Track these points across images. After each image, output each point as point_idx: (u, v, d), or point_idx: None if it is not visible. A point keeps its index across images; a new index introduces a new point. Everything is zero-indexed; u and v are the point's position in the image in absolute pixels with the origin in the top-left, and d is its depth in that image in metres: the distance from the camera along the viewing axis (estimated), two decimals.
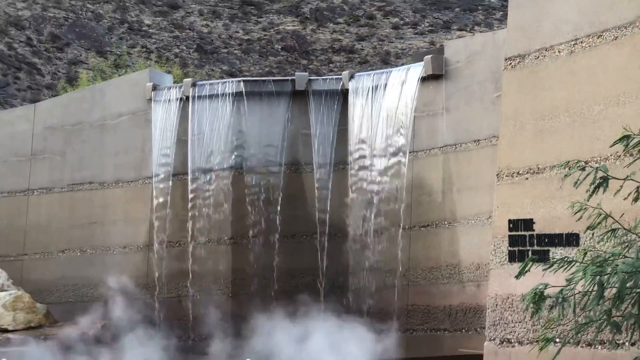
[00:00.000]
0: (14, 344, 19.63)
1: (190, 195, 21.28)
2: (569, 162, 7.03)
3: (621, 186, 6.30)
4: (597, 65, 11.68)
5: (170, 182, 21.47)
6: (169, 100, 21.70)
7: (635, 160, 6.35)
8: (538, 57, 12.62)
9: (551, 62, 12.39)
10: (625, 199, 6.32)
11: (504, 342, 12.74)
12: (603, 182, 6.32)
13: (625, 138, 6.35)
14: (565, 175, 6.81)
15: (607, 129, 10.46)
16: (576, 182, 6.45)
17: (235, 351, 17.57)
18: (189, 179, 21.32)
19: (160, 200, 21.53)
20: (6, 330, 20.43)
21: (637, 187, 6.30)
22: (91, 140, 22.54)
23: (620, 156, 6.54)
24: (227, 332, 18.28)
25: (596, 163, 6.67)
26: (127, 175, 22.06)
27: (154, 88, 21.83)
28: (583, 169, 6.45)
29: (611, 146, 6.67)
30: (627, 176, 6.27)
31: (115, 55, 56.63)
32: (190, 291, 20.99)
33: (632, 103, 10.55)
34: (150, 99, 21.79)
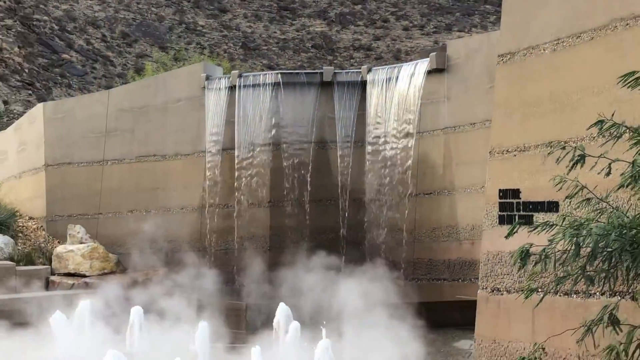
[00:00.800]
0: (91, 287, 19.95)
1: (236, 166, 21.52)
2: (551, 142, 7.20)
3: (595, 162, 6.41)
4: (576, 61, 11.73)
5: (220, 156, 21.72)
6: (220, 88, 21.92)
7: (608, 140, 6.43)
8: (526, 54, 12.65)
9: (537, 58, 12.43)
10: (598, 173, 6.41)
11: (494, 291, 12.82)
12: (580, 159, 6.46)
13: (600, 122, 6.50)
14: (549, 153, 6.96)
15: (584, 115, 10.55)
16: (558, 159, 6.57)
17: (271, 295, 17.73)
18: (236, 153, 21.57)
19: (212, 170, 21.81)
20: (84, 276, 20.79)
21: (609, 164, 6.36)
22: (155, 120, 22.78)
23: (594, 137, 6.68)
24: (265, 279, 18.49)
25: (574, 143, 6.77)
26: (185, 150, 22.31)
27: (207, 78, 22.10)
28: (563, 147, 6.60)
29: (587, 129, 6.81)
30: (601, 154, 6.40)
31: (174, 50, 56.54)
32: (235, 245, 21.30)
33: (605, 93, 10.62)
34: (204, 87, 22.04)
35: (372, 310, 13.47)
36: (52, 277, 20.96)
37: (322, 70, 22.19)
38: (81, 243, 21.64)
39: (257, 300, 17.85)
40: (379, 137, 20.58)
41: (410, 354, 11.62)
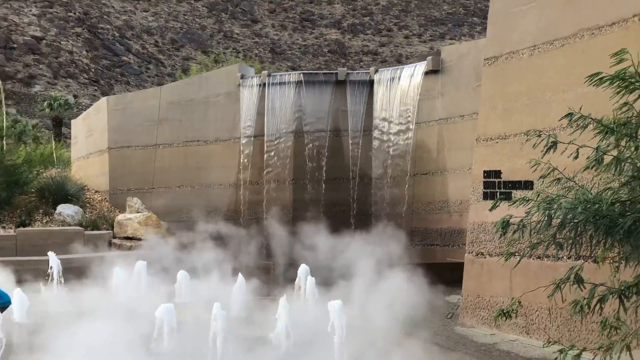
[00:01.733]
0: (145, 248, 20.08)
1: (265, 150, 21.63)
2: (528, 131, 7.16)
3: (565, 148, 6.36)
4: (549, 64, 11.69)
5: (252, 141, 21.80)
6: (252, 85, 21.96)
7: (576, 130, 6.37)
8: (507, 58, 12.60)
9: (517, 61, 12.39)
10: (568, 157, 6.36)
11: (479, 255, 12.85)
12: (553, 145, 6.44)
13: (569, 115, 6.45)
14: (527, 140, 6.90)
15: (555, 109, 10.52)
16: (534, 145, 6.55)
17: (294, 258, 17.79)
18: (265, 139, 21.64)
19: (245, 153, 21.89)
20: (140, 239, 20.89)
21: (577, 149, 6.34)
22: (199, 111, 22.85)
23: (564, 127, 6.66)
24: (289, 244, 18.53)
25: (547, 132, 6.77)
26: (223, 136, 22.38)
27: (242, 77, 22.19)
28: (539, 135, 6.59)
29: (559, 120, 6.81)
30: (570, 141, 6.36)
31: (214, 54, 56.72)
32: (264, 215, 21.39)
33: (573, 91, 10.57)
34: (239, 85, 22.11)
35: (377, 270, 13.48)
36: (114, 240, 21.12)
37: (337, 71, 22.19)
38: (137, 212, 21.77)
39: (282, 261, 17.89)
40: (383, 126, 20.59)
41: (409, 304, 11.64)
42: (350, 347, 9.54)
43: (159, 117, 23.48)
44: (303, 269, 14.58)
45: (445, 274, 15.16)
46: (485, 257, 12.67)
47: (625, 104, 6.27)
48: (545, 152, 6.46)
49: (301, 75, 22.02)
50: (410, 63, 20.79)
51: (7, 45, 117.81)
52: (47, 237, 20.09)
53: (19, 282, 15.28)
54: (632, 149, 6.26)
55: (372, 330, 10.07)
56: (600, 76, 6.30)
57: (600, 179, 6.45)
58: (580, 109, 6.57)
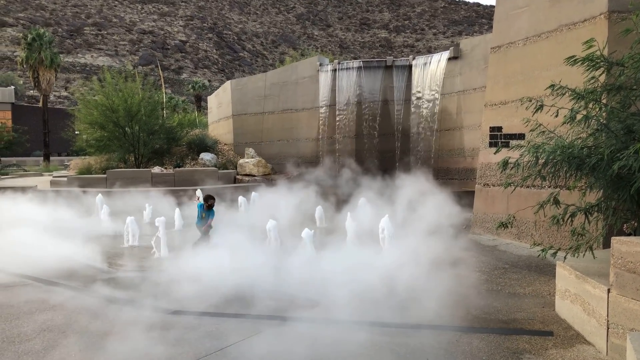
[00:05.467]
0: (258, 182, 20.46)
1: (337, 115, 21.52)
2: (522, 98, 7.03)
3: (549, 110, 6.23)
4: (537, 51, 11.35)
5: (327, 109, 21.74)
6: (327, 71, 21.78)
7: (556, 97, 6.30)
8: (507, 47, 12.27)
9: (514, 49, 12.06)
10: (550, 116, 6.26)
11: (485, 185, 12.72)
12: (540, 107, 6.30)
13: (552, 86, 6.34)
14: (521, 104, 6.82)
15: (542, 82, 10.25)
16: (527, 107, 6.48)
17: (357, 187, 17.87)
18: (336, 108, 21.55)
19: (322, 117, 21.85)
20: (254, 176, 21.27)
21: (557, 110, 6.21)
22: (291, 89, 22.86)
23: (548, 95, 6.49)
24: (354, 182, 18.57)
25: (536, 99, 6.61)
26: (307, 106, 22.36)
27: (320, 65, 21.98)
28: (530, 100, 6.50)
29: (545, 90, 6.66)
30: (552, 105, 6.23)
31: (301, 49, 56.36)
32: (336, 159, 21.46)
33: (554, 69, 10.28)
34: (318, 70, 21.94)
35: (413, 196, 13.47)
36: (237, 176, 21.60)
37: (386, 59, 21.75)
38: (252, 158, 22.14)
39: (348, 189, 17.97)
40: (418, 97, 20.25)
41: (437, 219, 11.68)
42: (394, 242, 9.65)
43: (264, 93, 23.63)
44: (362, 200, 14.68)
45: (461, 200, 15.03)
46: (490, 187, 12.53)
47: (592, 77, 6.16)
48: (535, 112, 6.33)
49: (361, 62, 21.73)
50: (437, 52, 20.26)
51: (163, 46, 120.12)
52: (193, 174, 20.73)
53: (178, 203, 15.83)
54: (597, 109, 6.17)
55: (410, 234, 10.11)
56: (574, 58, 6.19)
57: (573, 131, 6.34)
58: (560, 81, 6.45)
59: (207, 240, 10.06)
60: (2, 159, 40.78)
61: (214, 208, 10.83)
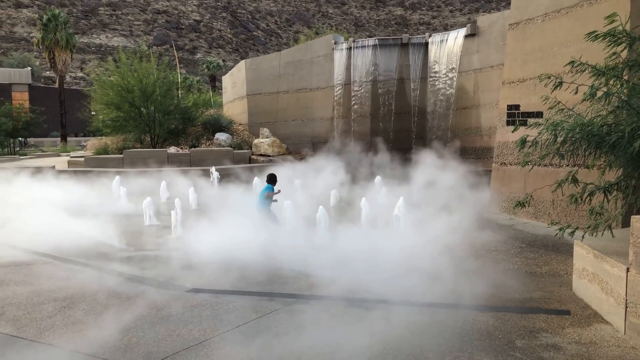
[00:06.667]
0: (273, 162, 20.50)
1: (352, 94, 21.41)
2: (540, 75, 6.91)
3: (568, 86, 6.10)
4: (556, 27, 11.15)
5: (342, 88, 21.62)
6: (342, 49, 21.60)
7: (576, 73, 6.17)
8: (526, 23, 12.08)
9: (532, 25, 11.86)
10: (570, 93, 6.14)
11: (502, 164, 12.64)
12: (559, 84, 6.20)
13: (572, 62, 6.21)
14: (540, 81, 6.70)
15: (560, 59, 10.11)
16: (545, 85, 6.36)
17: (372, 166, 17.84)
18: (351, 86, 21.42)
19: (337, 96, 21.74)
20: (269, 156, 21.32)
21: (577, 87, 6.05)
22: (306, 68, 22.74)
23: (567, 72, 6.38)
24: (368, 160, 18.56)
25: (554, 76, 6.50)
26: (322, 85, 22.26)
27: (335, 43, 21.79)
28: (549, 77, 6.39)
29: (564, 66, 6.54)
30: (572, 81, 6.09)
31: (315, 28, 55.95)
32: (351, 138, 21.39)
33: (574, 46, 10.12)
34: (333, 49, 21.77)
35: (429, 174, 13.42)
36: (252, 156, 21.66)
37: (401, 37, 21.51)
38: (267, 138, 22.18)
39: (363, 168, 17.95)
40: (435, 76, 20.03)
41: (451, 198, 11.66)
42: (409, 222, 9.64)
43: (279, 72, 23.53)
44: (377, 179, 14.67)
45: (477, 178, 14.96)
46: (507, 166, 12.45)
47: (614, 53, 6.01)
48: (554, 89, 6.21)
49: (376, 40, 21.48)
50: (454, 29, 19.99)
51: (178, 26, 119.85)
52: (209, 154, 20.83)
53: (193, 182, 15.93)
54: (618, 86, 6.03)
55: (425, 214, 10.08)
56: (595, 34, 6.04)
57: (593, 109, 6.23)
58: (580, 58, 6.32)
59: (273, 218, 10.15)
60: (19, 139, 41.27)
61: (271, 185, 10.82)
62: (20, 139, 47.34)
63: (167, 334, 5.33)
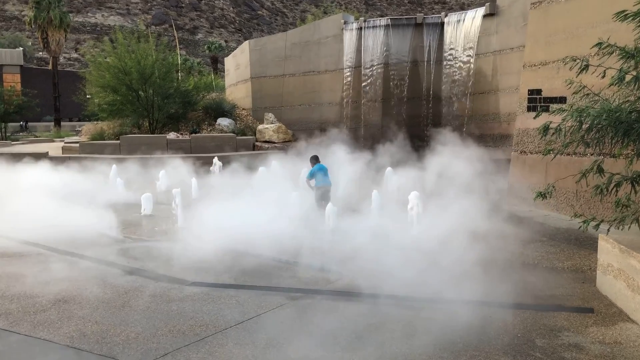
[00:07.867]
0: (278, 149, 20.51)
1: (362, 77, 21.33)
2: (564, 58, 6.84)
3: (595, 69, 6.02)
4: (582, 6, 11.03)
5: (352, 71, 21.53)
6: (352, 29, 21.49)
7: (603, 56, 6.10)
8: (549, 2, 11.94)
9: (556, 5, 11.74)
10: (596, 77, 6.06)
11: (522, 153, 12.56)
12: (585, 68, 6.12)
13: (599, 44, 6.14)
14: (564, 64, 6.63)
15: (586, 41, 9.97)
16: (570, 68, 6.28)
17: (382, 154, 17.78)
18: (362, 70, 21.32)
19: (347, 80, 21.67)
20: (274, 142, 21.35)
21: (604, 70, 5.99)
22: (313, 50, 22.64)
23: (594, 55, 6.30)
24: (380, 145, 18.45)
25: (580, 58, 6.42)
26: (331, 67, 22.17)
27: (344, 23, 21.69)
28: (574, 60, 6.32)
29: (591, 48, 6.47)
30: (599, 64, 6.04)
31: (324, 7, 55.82)
32: (361, 124, 21.34)
33: (601, 27, 10.00)
34: (343, 29, 21.66)
35: (443, 163, 13.39)
36: (256, 143, 21.67)
37: (415, 16, 21.36)
38: (271, 124, 22.16)
39: (374, 154, 17.88)
40: (451, 58, 19.91)
41: (467, 188, 11.63)
42: (424, 214, 9.63)
43: (285, 54, 23.45)
44: (389, 170, 14.66)
45: (495, 167, 14.90)
46: (527, 155, 12.37)
47: None
48: (579, 73, 6.12)
49: (388, 20, 21.35)
50: (472, 9, 19.84)
51: (177, 4, 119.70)
52: (210, 140, 20.86)
53: (194, 171, 15.96)
54: None
55: (441, 204, 10.05)
56: (625, 13, 5.97)
57: (621, 94, 6.15)
58: (608, 39, 6.23)
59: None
60: (10, 124, 41.33)
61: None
62: (21, 123, 47.58)
63: (168, 330, 5.36)
